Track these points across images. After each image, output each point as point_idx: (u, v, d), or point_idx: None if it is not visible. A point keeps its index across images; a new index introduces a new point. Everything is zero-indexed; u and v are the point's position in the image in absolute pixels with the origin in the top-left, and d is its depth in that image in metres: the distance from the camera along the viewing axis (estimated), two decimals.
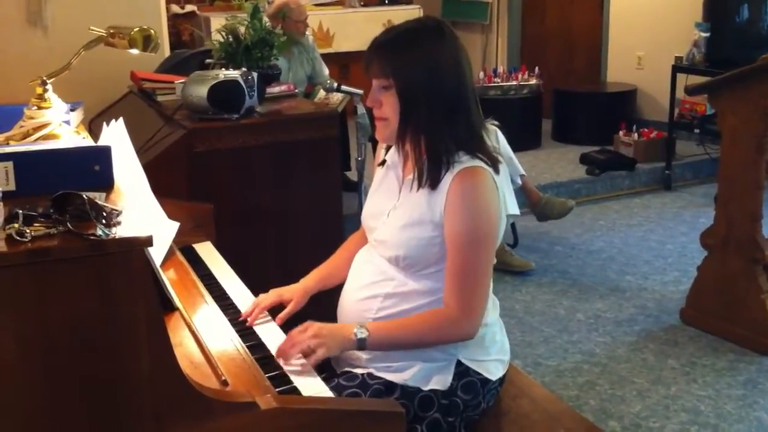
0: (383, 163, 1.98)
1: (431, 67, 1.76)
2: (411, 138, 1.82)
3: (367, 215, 1.99)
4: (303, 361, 1.75)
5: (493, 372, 1.93)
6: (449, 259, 1.79)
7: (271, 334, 1.89)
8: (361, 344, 1.79)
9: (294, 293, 2.05)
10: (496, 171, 1.82)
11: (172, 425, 1.46)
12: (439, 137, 1.78)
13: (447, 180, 1.78)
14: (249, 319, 1.95)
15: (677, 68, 5.56)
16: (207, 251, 2.35)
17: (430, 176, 1.79)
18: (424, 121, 1.78)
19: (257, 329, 1.93)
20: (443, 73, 1.77)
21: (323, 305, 2.10)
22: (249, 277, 2.18)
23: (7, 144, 2.11)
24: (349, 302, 1.96)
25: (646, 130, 6.03)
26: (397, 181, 1.92)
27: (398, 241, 1.84)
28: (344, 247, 2.17)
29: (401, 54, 1.78)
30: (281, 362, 1.75)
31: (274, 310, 2.03)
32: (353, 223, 2.25)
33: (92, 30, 2.44)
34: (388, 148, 1.97)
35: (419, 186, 1.82)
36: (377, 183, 2.00)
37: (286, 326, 1.94)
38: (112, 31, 2.43)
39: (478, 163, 1.79)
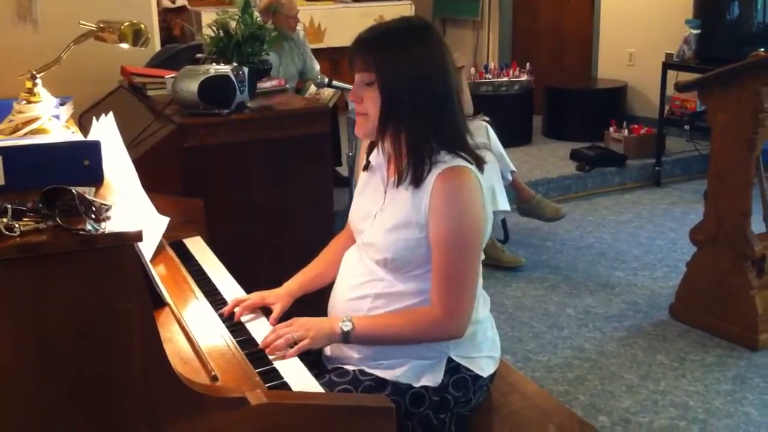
0: (367, 166, 1.97)
1: (416, 66, 1.76)
2: (391, 135, 1.81)
3: (354, 217, 1.99)
4: (288, 351, 1.75)
5: (485, 369, 1.93)
6: (434, 260, 1.79)
7: (260, 329, 1.89)
8: (346, 337, 1.80)
9: (278, 297, 2.02)
10: (480, 169, 1.82)
11: (163, 421, 1.46)
12: (423, 135, 1.78)
13: (430, 180, 1.77)
14: (235, 314, 1.94)
15: (668, 65, 5.57)
16: (197, 246, 2.34)
17: (412, 174, 1.79)
18: (407, 118, 1.77)
19: (246, 322, 1.92)
20: (428, 72, 1.77)
21: (314, 305, 2.10)
22: (241, 272, 2.18)
23: None
24: (339, 301, 1.95)
25: (636, 126, 6.05)
26: (382, 183, 1.91)
27: (386, 244, 1.83)
28: (328, 250, 2.16)
29: (385, 50, 1.78)
30: (267, 352, 1.74)
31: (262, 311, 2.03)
32: (344, 218, 2.25)
33: (82, 24, 2.43)
34: (370, 151, 1.96)
35: (399, 183, 1.82)
36: (362, 185, 1.99)
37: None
38: (102, 25, 2.42)
39: (460, 162, 1.78)
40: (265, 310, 2.01)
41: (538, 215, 4.47)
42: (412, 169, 1.79)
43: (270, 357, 1.74)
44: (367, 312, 1.87)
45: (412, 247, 1.81)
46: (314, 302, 2.11)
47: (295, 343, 1.77)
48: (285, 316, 2.00)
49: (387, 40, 1.80)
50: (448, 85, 1.79)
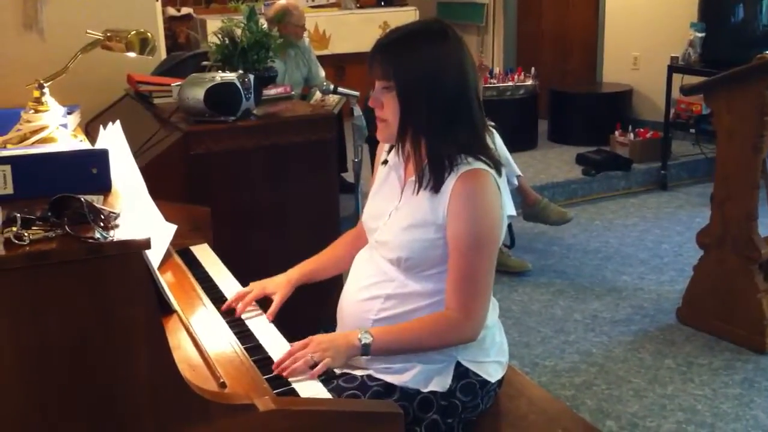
0: (386, 161, 1.99)
1: (433, 71, 1.76)
2: (411, 140, 1.82)
3: (368, 216, 1.99)
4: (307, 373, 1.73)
5: (492, 374, 1.93)
6: (452, 262, 1.79)
7: (268, 336, 1.90)
8: (366, 350, 1.79)
9: (278, 286, 2.06)
10: (499, 173, 1.83)
11: (171, 427, 1.46)
12: (440, 141, 1.78)
13: (450, 182, 1.78)
14: (237, 310, 1.97)
15: (673, 68, 5.57)
16: (204, 253, 2.35)
17: (431, 180, 1.80)
18: (425, 124, 1.78)
19: (252, 327, 1.93)
20: (445, 77, 1.77)
21: (326, 303, 2.10)
22: (246, 279, 2.19)
23: (5, 147, 2.11)
24: (349, 303, 1.96)
25: (641, 130, 6.05)
26: (399, 182, 1.92)
27: (400, 243, 1.84)
28: (334, 245, 2.17)
29: (403, 56, 1.78)
30: (285, 376, 1.70)
31: (261, 303, 2.04)
32: (350, 224, 2.26)
33: (89, 33, 2.44)
34: (390, 148, 1.97)
35: (419, 189, 1.82)
36: (379, 183, 2.00)
37: (277, 320, 1.95)
38: (108, 34, 2.43)
39: (480, 165, 1.79)
40: (265, 303, 2.03)
41: (543, 219, 4.47)
42: (432, 176, 1.79)
43: (290, 380, 1.69)
44: (377, 313, 1.87)
45: (426, 247, 1.81)
46: (322, 299, 2.12)
47: (315, 364, 1.74)
48: (291, 305, 2.02)
49: (403, 44, 1.80)
50: (465, 86, 1.79)
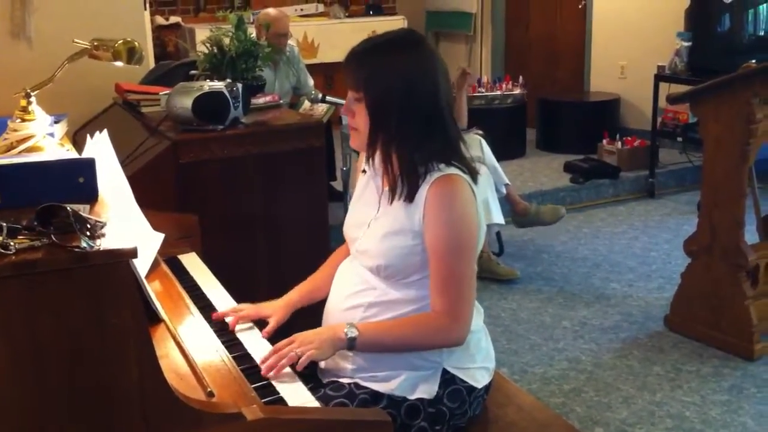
0: (365, 170, 1.99)
1: (403, 82, 1.76)
2: (382, 150, 1.83)
3: (349, 226, 2.00)
4: (290, 370, 1.74)
5: (479, 379, 1.93)
6: (432, 268, 1.80)
7: (256, 344, 1.89)
8: (351, 343, 1.79)
9: (275, 310, 2.04)
10: (474, 179, 1.83)
11: None
12: (411, 151, 1.79)
13: (423, 189, 1.79)
14: (230, 323, 1.96)
15: (660, 77, 5.60)
16: (192, 262, 2.35)
17: (404, 190, 1.80)
18: (394, 135, 1.79)
19: (242, 338, 1.92)
20: (415, 88, 1.77)
21: (308, 317, 2.10)
22: (236, 287, 2.18)
23: None
24: (333, 312, 1.96)
25: (629, 138, 6.08)
26: (377, 191, 1.92)
27: (379, 251, 1.84)
28: (328, 263, 2.16)
29: (373, 67, 1.79)
30: (271, 377, 1.72)
31: (258, 324, 2.03)
32: (339, 233, 2.26)
33: (76, 42, 2.44)
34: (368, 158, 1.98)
35: (393, 199, 1.83)
36: (359, 193, 2.01)
37: (272, 341, 1.94)
38: (96, 43, 2.43)
39: (454, 170, 1.80)
40: (262, 323, 2.01)
41: (540, 223, 4.49)
42: (405, 185, 1.80)
43: (277, 387, 1.69)
44: (361, 321, 1.87)
45: (405, 254, 1.82)
46: (309, 314, 2.11)
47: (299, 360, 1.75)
48: (284, 328, 2.01)
49: (373, 55, 1.81)
50: (436, 97, 1.80)
